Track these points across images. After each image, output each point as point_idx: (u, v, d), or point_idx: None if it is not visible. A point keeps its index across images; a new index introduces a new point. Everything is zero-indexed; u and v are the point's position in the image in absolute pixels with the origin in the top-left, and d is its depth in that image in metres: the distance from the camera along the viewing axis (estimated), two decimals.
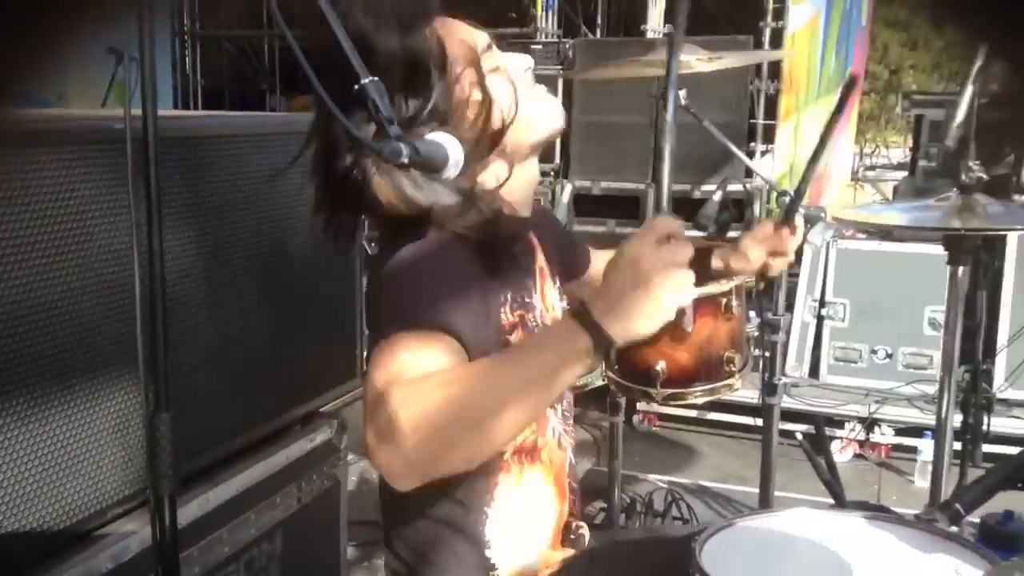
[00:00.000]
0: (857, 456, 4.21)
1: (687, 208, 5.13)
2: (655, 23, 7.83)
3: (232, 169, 1.86)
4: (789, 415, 3.75)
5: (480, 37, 1.34)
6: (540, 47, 6.40)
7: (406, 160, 1.07)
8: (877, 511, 1.51)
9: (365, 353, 1.28)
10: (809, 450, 1.83)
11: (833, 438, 4.14)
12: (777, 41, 6.99)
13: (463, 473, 1.25)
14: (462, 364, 1.15)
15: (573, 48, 6.02)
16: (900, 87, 22.25)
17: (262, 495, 1.88)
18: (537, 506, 1.40)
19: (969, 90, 1.88)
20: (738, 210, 4.35)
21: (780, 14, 6.98)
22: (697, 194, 5.27)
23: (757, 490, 2.36)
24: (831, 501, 1.77)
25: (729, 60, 2.32)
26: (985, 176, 1.73)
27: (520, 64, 1.38)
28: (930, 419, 3.95)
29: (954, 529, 1.42)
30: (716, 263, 1.72)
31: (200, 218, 1.76)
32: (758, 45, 6.42)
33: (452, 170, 1.17)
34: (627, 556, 1.63)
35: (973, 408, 2.22)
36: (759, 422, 2.51)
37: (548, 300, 1.46)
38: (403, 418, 1.05)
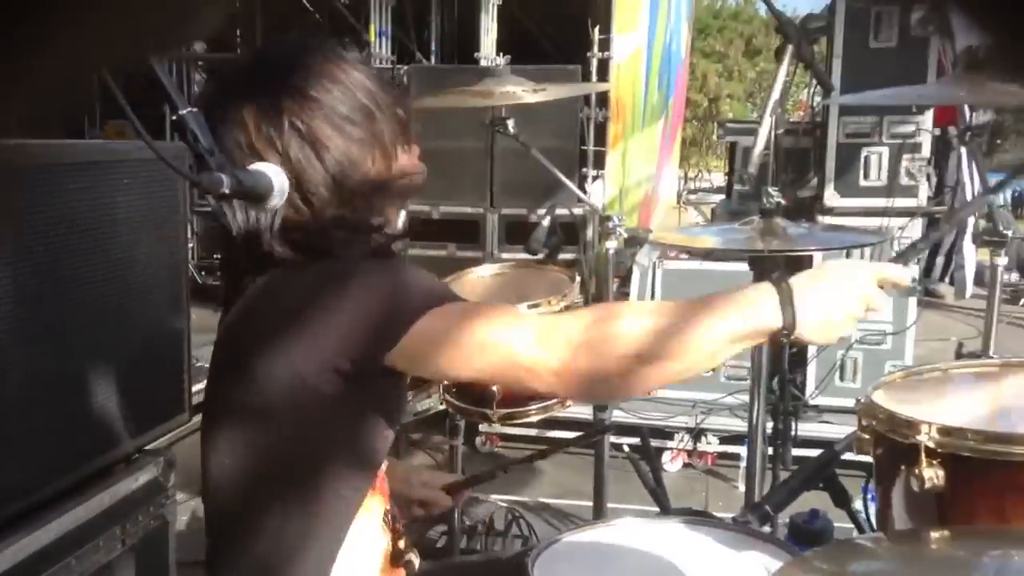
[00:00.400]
0: (686, 465, 4.41)
1: (522, 232, 5.25)
2: (488, 51, 8.00)
3: (52, 199, 1.77)
4: (623, 429, 3.89)
5: None
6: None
7: (227, 191, 1.07)
8: (697, 516, 1.60)
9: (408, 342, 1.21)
10: (635, 461, 1.91)
11: (664, 449, 4.33)
12: (604, 71, 7.30)
13: (299, 513, 1.26)
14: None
15: (407, 74, 6.07)
16: (717, 115, 23.65)
17: (83, 539, 1.78)
18: (369, 538, 1.39)
19: (768, 121, 2.05)
20: (568, 234, 4.49)
21: (606, 45, 7.30)
22: (533, 218, 5.42)
23: (577, 502, 2.46)
24: (656, 510, 1.86)
25: (553, 91, 2.42)
26: (784, 201, 1.88)
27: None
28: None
29: (766, 529, 1.53)
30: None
31: (12, 251, 1.67)
32: (586, 75, 6.68)
33: (277, 199, 1.17)
34: None
35: (782, 415, 2.40)
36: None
37: None
38: (631, 328, 1.12)
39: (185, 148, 1.12)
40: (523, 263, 2.45)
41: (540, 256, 2.33)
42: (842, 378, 4.28)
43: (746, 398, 4.26)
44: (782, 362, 2.31)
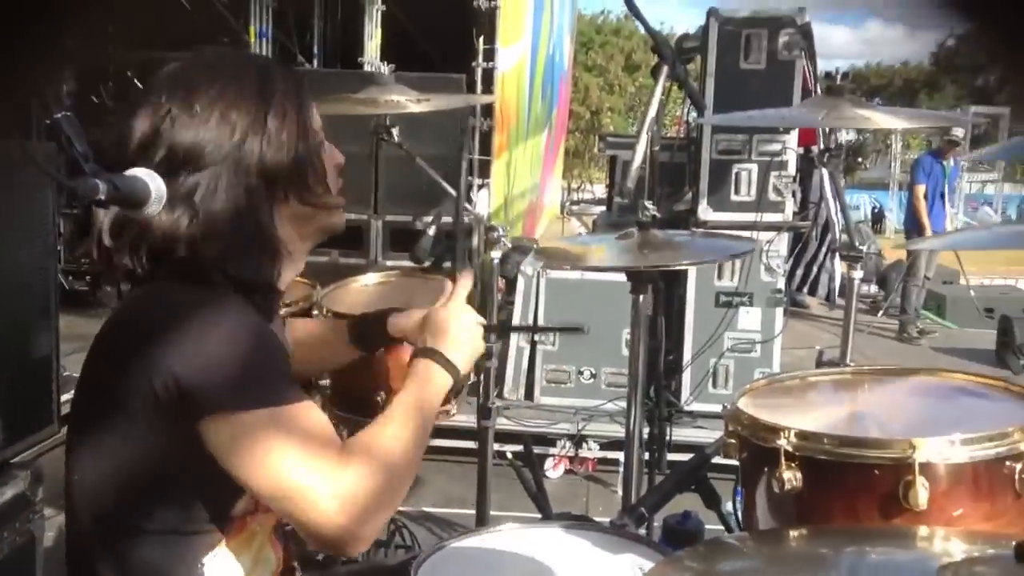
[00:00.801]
0: (568, 472, 4.50)
1: (407, 239, 5.24)
2: (372, 55, 7.96)
3: None
4: (507, 436, 3.94)
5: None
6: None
7: (103, 197, 1.04)
8: (575, 521, 1.65)
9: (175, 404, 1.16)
10: (518, 468, 1.95)
11: (546, 456, 4.40)
12: (488, 81, 7.37)
13: (159, 539, 1.23)
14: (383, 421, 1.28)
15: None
16: (599, 127, 24.20)
17: None
18: (254, 559, 1.36)
19: (644, 138, 2.13)
20: (453, 241, 4.52)
21: (490, 55, 7.38)
22: (419, 225, 5.42)
23: (470, 512, 2.49)
24: (539, 516, 1.90)
25: (436, 102, 2.44)
26: (658, 214, 1.96)
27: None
28: None
29: (642, 531, 1.59)
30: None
31: None
32: (471, 84, 6.73)
33: (154, 206, 1.14)
34: None
35: (658, 421, 2.49)
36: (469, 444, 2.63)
37: None
38: (374, 484, 1.18)
39: (55, 150, 1.09)
40: (408, 271, 2.46)
41: (425, 264, 2.35)
42: (715, 385, 4.47)
43: (624, 404, 4.44)
44: (658, 370, 2.40)
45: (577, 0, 15.70)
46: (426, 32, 8.07)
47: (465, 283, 1.54)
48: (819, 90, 4.63)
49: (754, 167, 4.41)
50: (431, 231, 2.30)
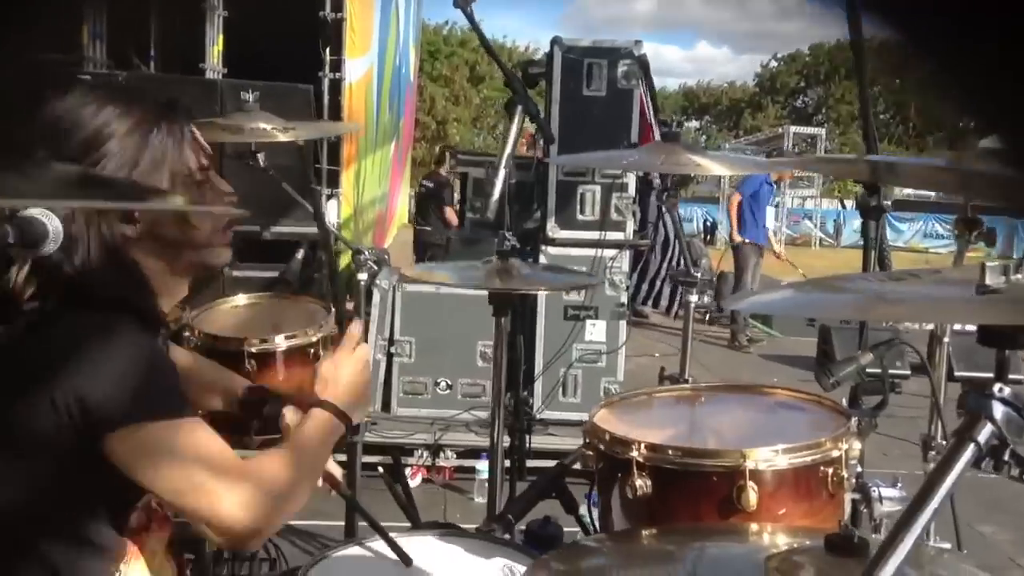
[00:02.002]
0: (426, 480, 4.62)
1: (257, 249, 5.20)
2: (213, 62, 7.80)
3: None
4: (369, 448, 4.02)
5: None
6: (89, 78, 6.05)
7: (12, 240, 1.10)
8: (446, 528, 1.79)
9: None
10: (388, 480, 2.07)
11: (405, 465, 4.50)
12: (336, 91, 7.40)
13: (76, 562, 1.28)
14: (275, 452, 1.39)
15: (127, 81, 5.77)
16: (445, 137, 24.41)
17: None
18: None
19: (503, 172, 2.28)
20: (314, 252, 4.54)
21: (337, 66, 7.40)
22: (267, 235, 5.40)
23: (342, 523, 2.56)
24: (408, 525, 2.01)
25: (304, 131, 2.52)
26: (516, 244, 2.13)
27: None
28: (485, 442, 4.50)
29: (507, 536, 1.74)
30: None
31: None
32: (318, 94, 6.73)
33: (52, 244, 1.20)
34: None
35: (518, 431, 2.65)
36: (341, 457, 2.70)
37: None
38: (272, 494, 1.30)
39: None
40: (278, 294, 2.52)
41: (294, 288, 2.41)
42: (564, 394, 4.70)
43: (481, 414, 4.61)
44: (517, 383, 2.56)
45: (422, 10, 15.84)
46: (270, 41, 7.99)
47: (352, 333, 1.58)
48: (653, 117, 4.97)
49: (597, 188, 4.67)
50: (299, 255, 2.37)
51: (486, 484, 4.37)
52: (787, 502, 1.44)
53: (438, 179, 9.43)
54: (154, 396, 1.26)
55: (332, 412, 1.47)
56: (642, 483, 1.45)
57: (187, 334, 2.15)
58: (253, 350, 2.06)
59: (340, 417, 1.48)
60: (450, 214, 8.84)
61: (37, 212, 1.20)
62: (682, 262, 2.69)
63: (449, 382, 4.79)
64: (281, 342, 2.12)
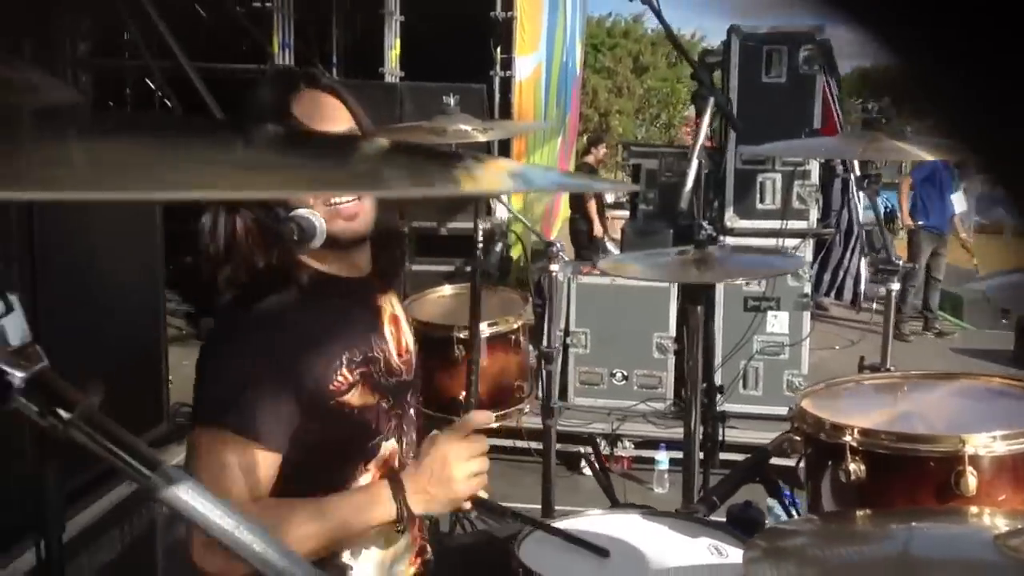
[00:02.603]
0: (603, 469, 4.70)
1: (435, 244, 5.39)
2: (392, 66, 8.15)
3: None
4: (535, 434, 4.12)
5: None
6: None
7: (295, 237, 1.26)
8: (648, 509, 1.85)
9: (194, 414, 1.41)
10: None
11: (580, 455, 4.60)
12: (506, 89, 7.59)
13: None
14: (282, 503, 1.38)
15: None
16: (608, 129, 24.35)
17: (91, 539, 1.91)
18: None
19: (695, 163, 2.33)
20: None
21: (507, 64, 7.59)
22: (443, 231, 5.65)
23: (522, 505, 2.66)
24: (592, 509, 2.06)
25: (499, 131, 2.65)
26: (714, 233, 2.16)
27: None
28: (663, 433, 4.54)
29: (711, 517, 1.79)
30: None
31: None
32: (490, 93, 6.93)
33: (318, 241, 1.36)
34: (460, 559, 1.86)
35: (711, 419, 2.67)
36: (512, 443, 2.81)
37: (404, 343, 1.63)
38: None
39: None
40: (480, 284, 2.66)
41: (493, 279, 2.54)
42: (745, 386, 4.66)
43: (657, 405, 4.64)
44: (711, 375, 2.60)
45: (587, 5, 15.93)
46: (442, 43, 8.27)
47: (468, 422, 1.48)
48: (837, 105, 4.82)
49: (778, 176, 4.60)
50: (498, 247, 2.50)
51: (665, 475, 4.44)
52: (1006, 488, 1.42)
53: (583, 166, 9.48)
54: (209, 401, 1.40)
55: (397, 498, 1.39)
56: (856, 468, 1.47)
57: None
58: (461, 336, 2.21)
59: (400, 505, 1.39)
60: (590, 202, 8.82)
61: (307, 212, 1.37)
62: (866, 250, 2.62)
63: (625, 373, 4.84)
64: (485, 329, 2.25)
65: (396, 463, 1.56)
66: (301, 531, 1.34)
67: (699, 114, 2.47)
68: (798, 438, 1.61)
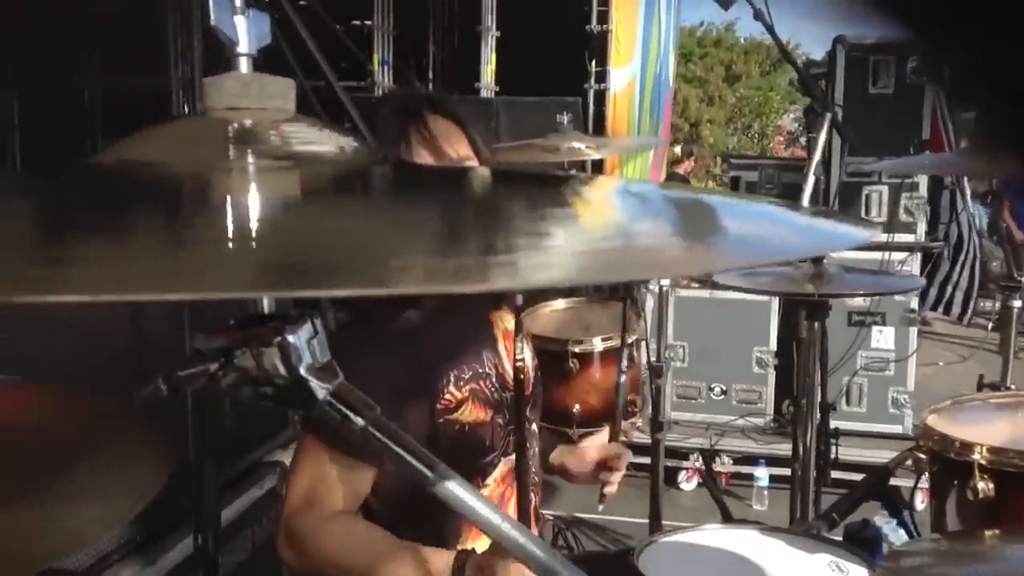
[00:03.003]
0: (700, 485, 4.68)
1: None
2: (487, 80, 8.28)
3: None
4: (639, 449, 4.13)
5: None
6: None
7: None
8: (765, 525, 1.87)
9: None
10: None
11: (679, 469, 4.59)
12: (600, 102, 7.63)
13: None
14: (362, 524, 1.45)
15: None
16: (699, 138, 24.10)
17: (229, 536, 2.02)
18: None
19: (811, 179, 2.33)
20: None
21: (602, 77, 7.64)
22: None
23: (620, 519, 2.68)
24: (707, 523, 2.08)
25: (612, 148, 2.70)
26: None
27: None
28: (763, 449, 4.50)
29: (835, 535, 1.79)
30: (553, 458, 1.92)
31: None
32: (584, 106, 6.97)
33: None
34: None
35: (824, 434, 2.65)
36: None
37: (520, 358, 1.63)
38: (305, 545, 1.39)
39: None
40: (591, 299, 2.71)
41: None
42: (848, 403, 4.57)
43: (757, 420, 4.59)
44: (824, 392, 2.58)
45: (681, 15, 15.83)
46: (537, 57, 8.35)
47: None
48: (948, 117, 4.71)
49: (884, 189, 4.52)
50: None
51: (765, 492, 4.39)
52: None
53: (675, 176, 9.40)
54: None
55: (455, 568, 1.35)
56: (984, 486, 1.46)
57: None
58: (576, 350, 2.26)
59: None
60: None
61: None
62: (977, 266, 2.57)
63: (723, 387, 4.81)
64: (598, 343, 2.30)
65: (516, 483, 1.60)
66: (359, 550, 1.40)
67: (810, 129, 2.47)
68: (922, 456, 1.61)
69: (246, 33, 0.65)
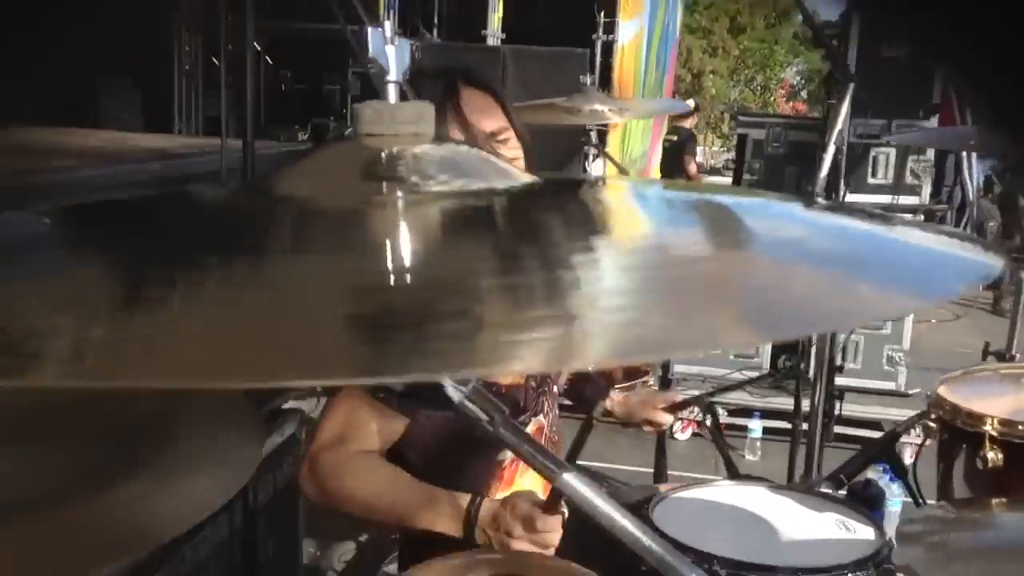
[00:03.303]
0: (695, 435, 4.79)
1: None
2: (494, 28, 8.17)
3: None
4: None
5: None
6: None
7: None
8: (773, 483, 1.94)
9: None
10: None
11: (676, 419, 4.69)
12: (607, 53, 7.57)
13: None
14: (388, 465, 1.49)
15: (418, 50, 6.20)
16: (701, 89, 23.89)
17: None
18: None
19: (831, 147, 2.35)
20: None
21: (611, 28, 7.56)
22: None
23: (624, 467, 2.73)
24: (718, 479, 2.15)
25: (637, 111, 2.71)
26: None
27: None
28: (757, 401, 4.59)
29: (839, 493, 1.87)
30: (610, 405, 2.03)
31: None
32: (591, 57, 6.92)
33: None
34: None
35: (828, 395, 2.72)
36: None
37: None
38: (328, 480, 1.47)
39: None
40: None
41: None
42: (844, 359, 4.65)
43: (752, 373, 4.67)
44: (833, 351, 2.64)
45: None
46: (546, 6, 8.24)
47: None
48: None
49: (891, 151, 4.54)
50: None
51: (757, 443, 4.49)
52: None
53: (681, 130, 9.33)
54: None
55: (470, 517, 1.39)
56: (993, 456, 1.53)
57: None
58: None
59: (464, 527, 1.39)
60: (691, 166, 8.68)
61: None
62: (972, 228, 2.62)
63: None
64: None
65: (543, 439, 1.67)
66: (379, 489, 1.47)
67: (829, 96, 2.49)
68: (932, 424, 1.67)
69: (395, 61, 0.67)
